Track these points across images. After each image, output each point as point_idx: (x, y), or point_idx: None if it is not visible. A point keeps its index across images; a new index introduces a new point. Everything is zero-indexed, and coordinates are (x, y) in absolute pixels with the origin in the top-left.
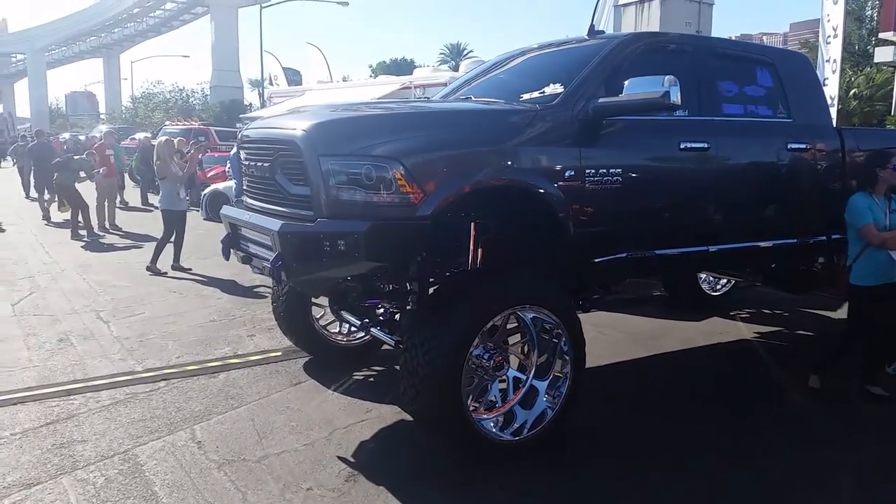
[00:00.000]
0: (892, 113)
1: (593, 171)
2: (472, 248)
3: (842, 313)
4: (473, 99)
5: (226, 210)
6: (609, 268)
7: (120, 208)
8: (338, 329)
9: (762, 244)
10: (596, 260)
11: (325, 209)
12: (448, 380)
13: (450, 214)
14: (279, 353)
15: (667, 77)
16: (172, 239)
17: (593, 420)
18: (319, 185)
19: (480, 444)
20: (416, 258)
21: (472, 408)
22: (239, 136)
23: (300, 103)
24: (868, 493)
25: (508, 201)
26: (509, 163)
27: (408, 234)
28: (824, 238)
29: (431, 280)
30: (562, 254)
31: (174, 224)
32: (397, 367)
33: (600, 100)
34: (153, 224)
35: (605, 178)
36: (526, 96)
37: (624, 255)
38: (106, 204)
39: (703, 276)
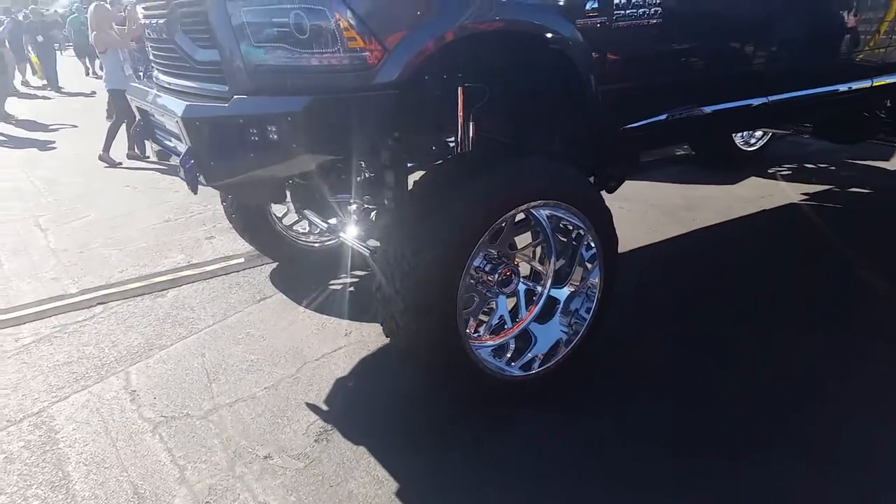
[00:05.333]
0: None
1: (625, 0)
2: (461, 121)
3: None
4: None
5: (131, 90)
6: (644, 136)
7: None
8: (307, 228)
9: (834, 89)
10: (627, 126)
11: (243, 81)
12: (438, 311)
13: (427, 77)
14: (241, 260)
15: None
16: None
17: (624, 331)
18: (232, 46)
19: (483, 383)
20: (385, 141)
21: (474, 333)
22: None
23: None
24: None
25: (507, 52)
26: None
27: (365, 112)
28: None
29: (411, 166)
30: (581, 121)
31: (123, 105)
32: None
33: None
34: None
35: (642, 11)
36: None
37: (664, 116)
38: None
39: None
